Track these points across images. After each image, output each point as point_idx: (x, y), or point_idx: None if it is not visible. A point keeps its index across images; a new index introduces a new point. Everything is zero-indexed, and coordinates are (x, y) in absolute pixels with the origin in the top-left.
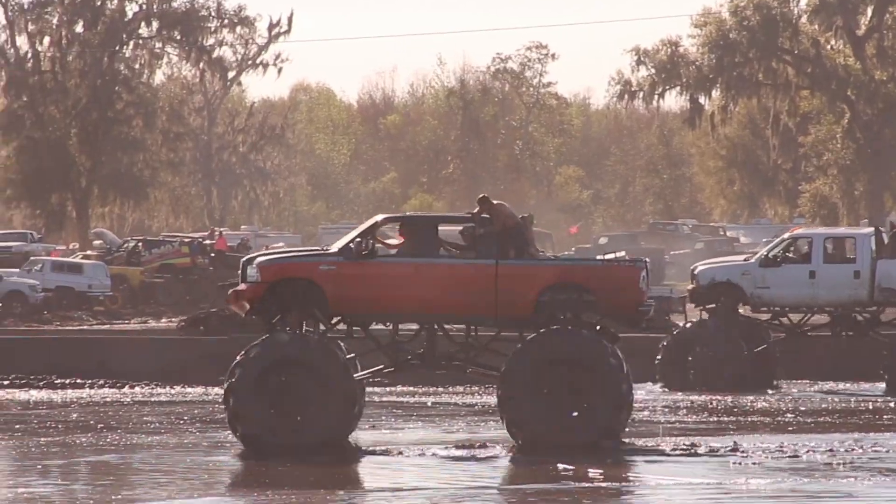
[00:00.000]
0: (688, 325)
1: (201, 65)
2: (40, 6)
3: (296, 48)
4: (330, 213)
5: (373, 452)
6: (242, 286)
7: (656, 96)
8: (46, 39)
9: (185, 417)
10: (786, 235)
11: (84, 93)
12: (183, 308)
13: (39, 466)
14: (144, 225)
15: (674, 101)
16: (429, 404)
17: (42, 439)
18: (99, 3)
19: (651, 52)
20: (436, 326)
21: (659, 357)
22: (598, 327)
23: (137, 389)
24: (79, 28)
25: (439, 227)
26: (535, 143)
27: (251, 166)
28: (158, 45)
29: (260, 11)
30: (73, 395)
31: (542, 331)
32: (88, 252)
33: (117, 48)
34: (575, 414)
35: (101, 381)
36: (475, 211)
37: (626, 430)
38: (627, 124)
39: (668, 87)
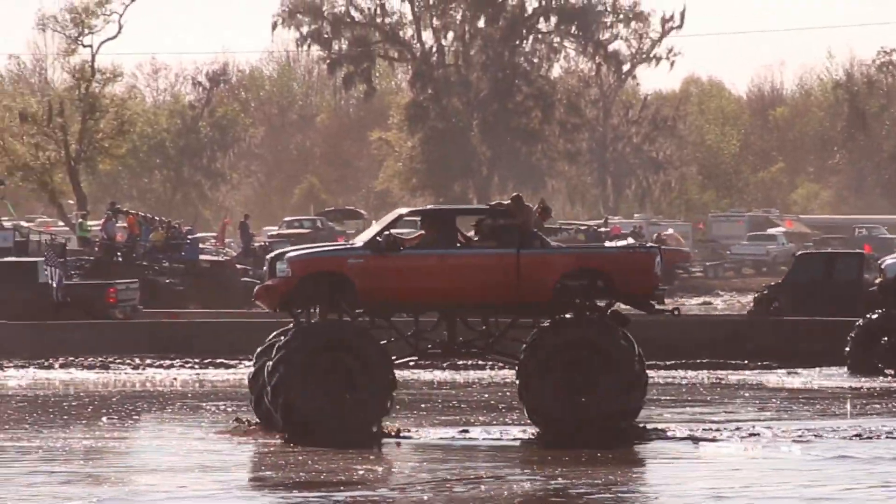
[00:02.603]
0: (874, 315)
1: (597, 58)
2: (445, 2)
3: (687, 42)
4: (720, 201)
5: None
6: (271, 281)
7: None
8: (450, 34)
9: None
10: None
11: (485, 85)
12: None
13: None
14: None
15: None
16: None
17: (440, 417)
18: (500, 0)
19: None
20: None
21: (849, 340)
22: (609, 311)
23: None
24: (481, 23)
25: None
26: None
27: (644, 156)
28: (556, 39)
29: (654, 7)
30: (475, 375)
31: (556, 318)
32: None
33: (517, 42)
34: (584, 398)
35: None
36: (492, 203)
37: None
38: None
39: None
